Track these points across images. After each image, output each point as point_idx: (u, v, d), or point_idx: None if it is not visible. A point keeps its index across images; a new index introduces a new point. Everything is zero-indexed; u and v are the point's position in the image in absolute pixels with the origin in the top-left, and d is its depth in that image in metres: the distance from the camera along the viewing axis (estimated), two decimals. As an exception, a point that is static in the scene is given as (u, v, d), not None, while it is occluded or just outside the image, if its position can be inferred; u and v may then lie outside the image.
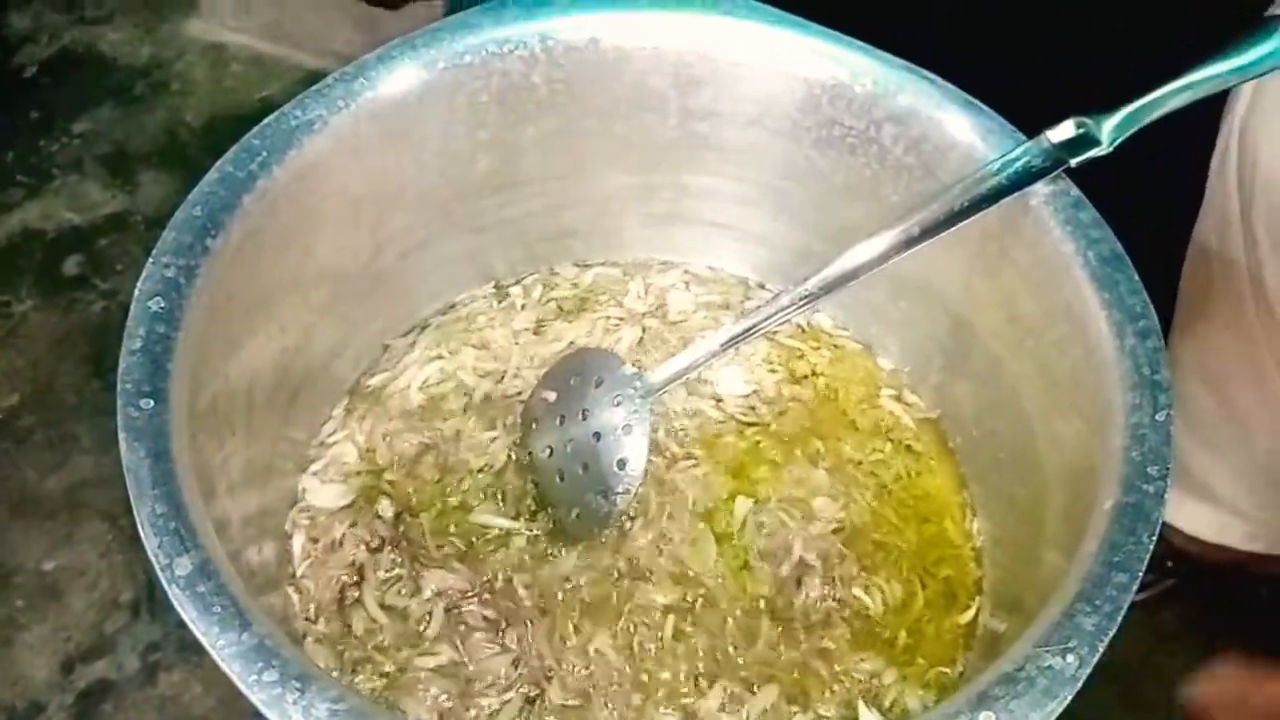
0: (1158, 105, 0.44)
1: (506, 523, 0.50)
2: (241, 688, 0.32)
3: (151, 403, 0.37)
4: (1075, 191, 0.45)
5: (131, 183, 1.00)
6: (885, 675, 0.47)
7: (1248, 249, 0.61)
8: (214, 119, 1.04)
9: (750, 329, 0.47)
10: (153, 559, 0.34)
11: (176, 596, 0.33)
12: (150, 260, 0.40)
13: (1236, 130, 0.60)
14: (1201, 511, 0.73)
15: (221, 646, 0.33)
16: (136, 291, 0.40)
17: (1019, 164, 0.44)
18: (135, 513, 0.35)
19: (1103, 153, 0.44)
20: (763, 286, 0.60)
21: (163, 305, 0.39)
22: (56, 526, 0.80)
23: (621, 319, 0.58)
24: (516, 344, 0.57)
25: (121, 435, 0.36)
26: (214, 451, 0.41)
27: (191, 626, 0.33)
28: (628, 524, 0.50)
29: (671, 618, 0.47)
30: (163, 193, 0.98)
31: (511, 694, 0.45)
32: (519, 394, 0.54)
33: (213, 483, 0.40)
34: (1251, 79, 0.43)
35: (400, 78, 0.48)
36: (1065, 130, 0.44)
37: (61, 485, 0.82)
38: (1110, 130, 0.43)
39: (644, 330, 0.57)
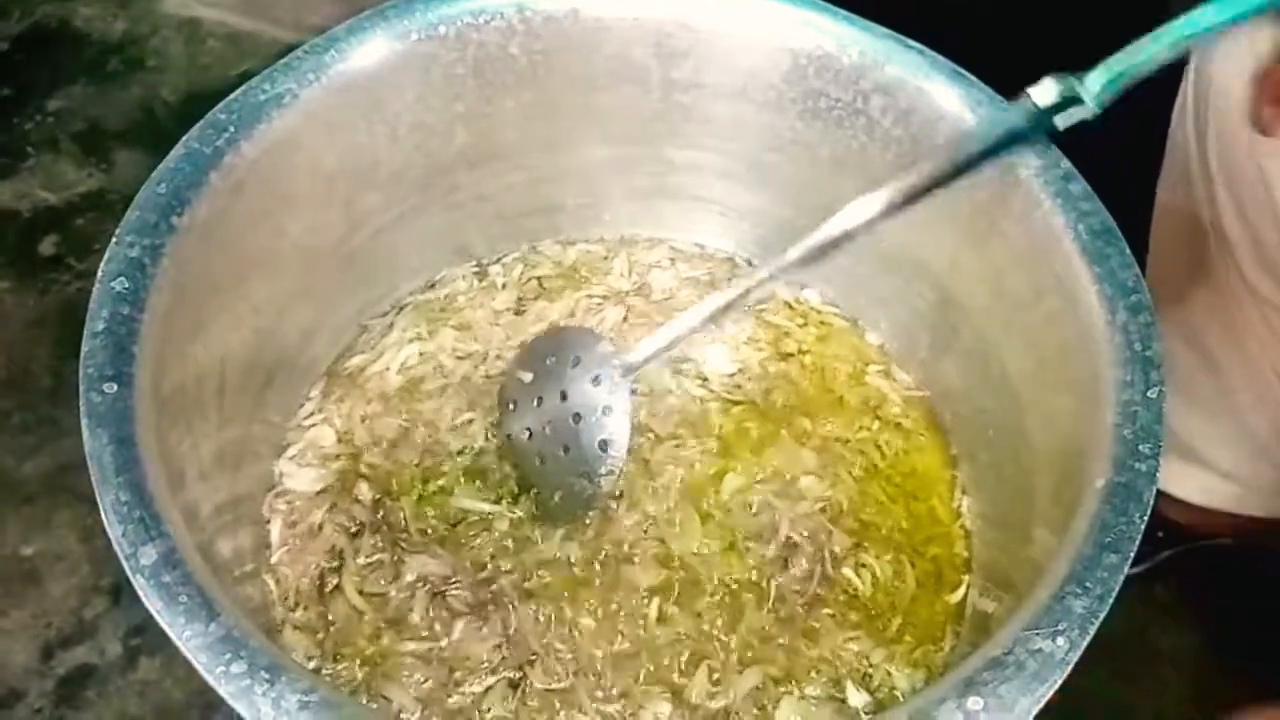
0: (1145, 59, 0.40)
1: (488, 506, 0.49)
2: (208, 679, 0.31)
3: (115, 387, 0.36)
4: (1066, 164, 0.44)
5: (107, 161, 0.98)
6: (873, 655, 0.46)
7: (1206, 192, 0.60)
8: (190, 96, 1.03)
9: (731, 302, 0.46)
10: (117, 548, 0.33)
11: (141, 586, 0.33)
12: (114, 240, 0.39)
13: (1193, 69, 0.59)
14: (1189, 473, 0.72)
15: (187, 637, 0.32)
16: (100, 272, 0.39)
17: (1002, 126, 0.42)
18: (99, 500, 0.34)
19: (1091, 114, 0.41)
20: (750, 263, 0.59)
21: (127, 286, 0.38)
22: (35, 511, 0.79)
23: (605, 297, 0.57)
24: (497, 325, 0.56)
25: (84, 421, 0.35)
26: (183, 436, 0.40)
27: (157, 617, 0.32)
28: (612, 505, 0.49)
29: (656, 600, 0.47)
30: (139, 171, 0.96)
31: (495, 678, 0.45)
32: (500, 375, 0.53)
33: (181, 469, 0.39)
34: (1244, 24, 0.41)
35: (372, 49, 0.47)
36: (1047, 89, 0.41)
37: (40, 469, 0.81)
38: (1095, 88, 0.40)
39: (628, 309, 0.56)
